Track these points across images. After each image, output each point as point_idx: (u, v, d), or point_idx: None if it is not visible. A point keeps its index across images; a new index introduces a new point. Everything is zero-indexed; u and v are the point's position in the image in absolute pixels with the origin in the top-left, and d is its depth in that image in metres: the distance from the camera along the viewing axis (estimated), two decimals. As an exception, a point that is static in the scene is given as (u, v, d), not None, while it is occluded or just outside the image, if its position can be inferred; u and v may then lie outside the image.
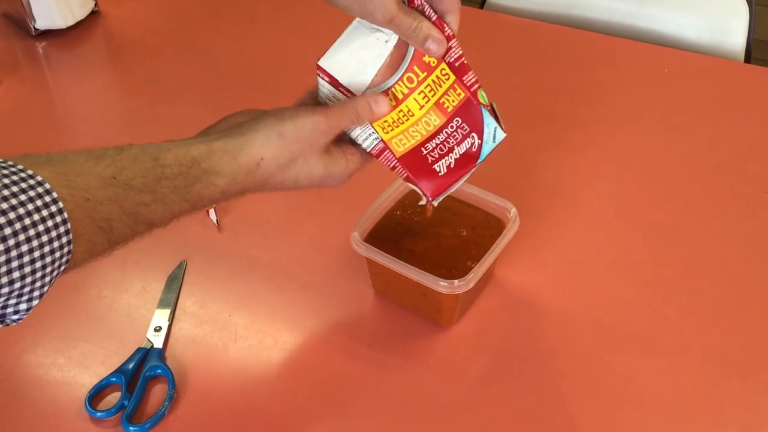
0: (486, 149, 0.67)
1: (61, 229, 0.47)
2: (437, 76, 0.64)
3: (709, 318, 0.77)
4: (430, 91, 0.64)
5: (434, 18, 0.62)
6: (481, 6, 1.30)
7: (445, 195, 0.67)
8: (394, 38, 0.62)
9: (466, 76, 0.65)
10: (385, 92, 0.64)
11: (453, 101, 0.65)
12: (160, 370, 0.72)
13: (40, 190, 0.46)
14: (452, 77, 0.65)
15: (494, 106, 0.67)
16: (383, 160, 0.65)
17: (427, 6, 0.61)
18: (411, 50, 0.63)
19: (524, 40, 1.14)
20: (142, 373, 0.72)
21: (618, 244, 0.84)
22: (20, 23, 1.17)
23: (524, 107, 1.02)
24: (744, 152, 0.95)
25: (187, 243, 0.85)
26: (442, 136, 0.66)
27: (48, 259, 0.47)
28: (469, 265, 0.72)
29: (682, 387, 0.71)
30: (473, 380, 0.73)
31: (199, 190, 0.56)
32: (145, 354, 0.74)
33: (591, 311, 0.77)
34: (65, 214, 0.47)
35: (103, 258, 0.52)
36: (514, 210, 0.76)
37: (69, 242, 0.48)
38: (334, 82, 0.63)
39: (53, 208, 0.47)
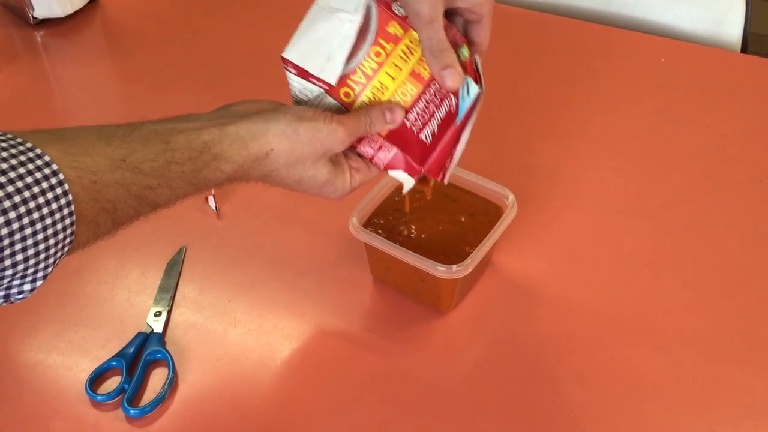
0: (463, 106, 0.65)
1: (65, 211, 0.47)
2: (407, 45, 0.62)
3: (708, 305, 0.77)
4: (401, 61, 0.62)
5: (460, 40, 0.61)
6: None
7: (449, 170, 0.66)
8: (358, 15, 0.60)
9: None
10: (353, 71, 0.62)
11: (427, 67, 0.63)
12: (159, 355, 0.73)
13: (47, 171, 0.46)
14: None
15: (477, 60, 0.65)
16: (367, 146, 0.64)
17: (456, 29, 0.61)
18: (374, 23, 0.61)
19: (522, 29, 1.15)
20: (142, 357, 0.72)
21: (615, 231, 0.85)
22: (18, 12, 1.17)
23: (522, 96, 1.02)
24: (741, 141, 0.95)
25: (187, 229, 0.85)
26: (422, 104, 0.63)
27: (51, 241, 0.47)
28: (467, 251, 0.73)
29: (679, 373, 0.72)
30: (471, 365, 0.73)
31: (206, 174, 0.56)
32: (145, 339, 0.74)
33: (588, 297, 0.78)
34: (70, 196, 0.47)
35: (107, 238, 0.52)
36: (512, 196, 0.76)
37: (72, 224, 0.48)
38: (302, 73, 0.61)
39: (58, 190, 0.46)
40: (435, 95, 0.64)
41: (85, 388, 0.70)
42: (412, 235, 0.76)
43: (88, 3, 1.19)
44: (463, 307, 0.77)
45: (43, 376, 0.73)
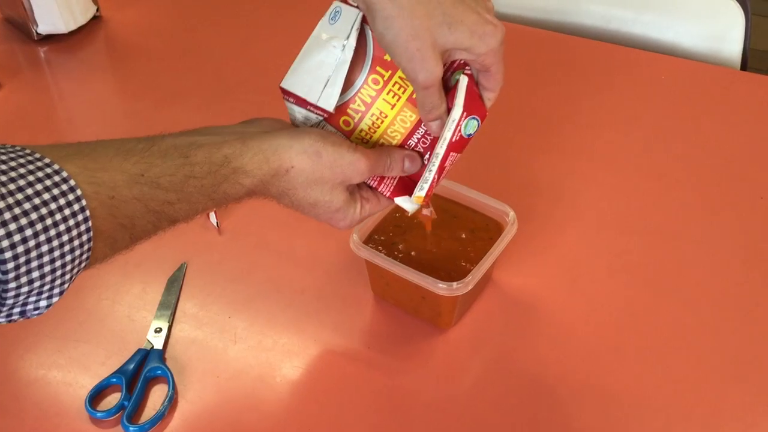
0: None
1: (82, 227, 0.47)
2: None
3: (707, 322, 0.77)
4: (399, 89, 0.62)
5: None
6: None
7: (431, 193, 0.65)
8: (351, 41, 0.60)
9: None
10: (352, 99, 0.62)
11: None
12: (160, 371, 0.73)
13: (64, 187, 0.46)
14: None
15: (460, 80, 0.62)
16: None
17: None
18: (371, 51, 0.61)
19: (521, 46, 1.15)
20: (142, 373, 0.72)
21: (615, 248, 0.85)
22: (22, 27, 1.18)
23: (522, 113, 1.03)
24: (741, 158, 0.95)
25: (188, 245, 0.85)
26: (422, 129, 0.63)
27: (68, 258, 0.46)
28: (467, 268, 0.73)
29: (679, 392, 0.71)
30: (472, 382, 0.73)
31: (226, 189, 0.55)
32: (145, 355, 0.74)
33: (589, 314, 0.78)
34: (87, 213, 0.47)
35: (125, 253, 0.52)
36: (512, 213, 0.76)
37: (90, 240, 0.47)
38: (301, 102, 0.61)
39: (76, 207, 0.46)
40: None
41: (85, 405, 0.70)
42: (413, 252, 0.76)
43: (92, 19, 1.20)
44: (463, 324, 0.77)
45: (42, 392, 0.73)
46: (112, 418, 0.70)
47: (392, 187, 0.65)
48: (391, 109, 0.63)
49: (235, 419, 0.70)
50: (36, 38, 1.17)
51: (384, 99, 0.62)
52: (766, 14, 2.56)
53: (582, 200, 0.90)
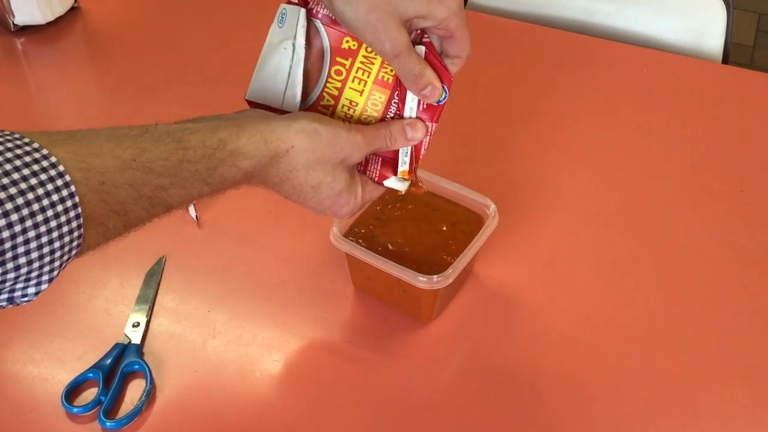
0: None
1: (71, 214, 0.45)
2: (364, 56, 0.62)
3: (687, 314, 0.78)
4: (363, 74, 0.63)
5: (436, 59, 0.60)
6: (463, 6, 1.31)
7: (415, 166, 0.65)
8: (300, 39, 0.61)
9: None
10: (320, 96, 0.62)
11: (391, 71, 0.63)
12: (137, 366, 0.72)
13: (53, 172, 0.45)
14: None
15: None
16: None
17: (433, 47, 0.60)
18: (326, 43, 0.62)
19: (505, 39, 1.15)
20: (120, 368, 0.71)
21: (596, 241, 0.85)
22: (-1, 19, 1.16)
23: (504, 106, 1.03)
24: (722, 151, 0.96)
25: (166, 239, 0.85)
26: (393, 107, 0.63)
27: (57, 244, 0.45)
28: (448, 261, 0.73)
29: (659, 382, 0.72)
30: (453, 375, 0.73)
31: (222, 173, 0.54)
32: (122, 350, 0.73)
33: (569, 308, 0.78)
34: (77, 198, 0.46)
35: (118, 240, 0.51)
36: (493, 206, 0.76)
37: (80, 226, 0.46)
38: (267, 110, 0.61)
39: (64, 192, 0.45)
40: (402, 93, 0.64)
41: (61, 400, 0.69)
42: (393, 245, 0.75)
43: (70, 10, 1.19)
44: (444, 317, 0.77)
45: (18, 388, 0.72)
46: (89, 413, 0.69)
47: (378, 172, 0.65)
48: (360, 95, 0.63)
49: (213, 414, 0.70)
50: (13, 29, 1.15)
51: (351, 87, 0.63)
52: (747, 8, 2.58)
53: (563, 194, 0.90)
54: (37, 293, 0.47)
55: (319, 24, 0.62)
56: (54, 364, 0.73)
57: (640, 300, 0.79)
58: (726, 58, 1.19)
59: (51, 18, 1.15)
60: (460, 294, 0.78)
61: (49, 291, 0.79)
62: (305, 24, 0.61)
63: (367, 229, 0.77)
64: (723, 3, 1.17)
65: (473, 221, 0.77)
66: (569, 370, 0.73)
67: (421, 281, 0.69)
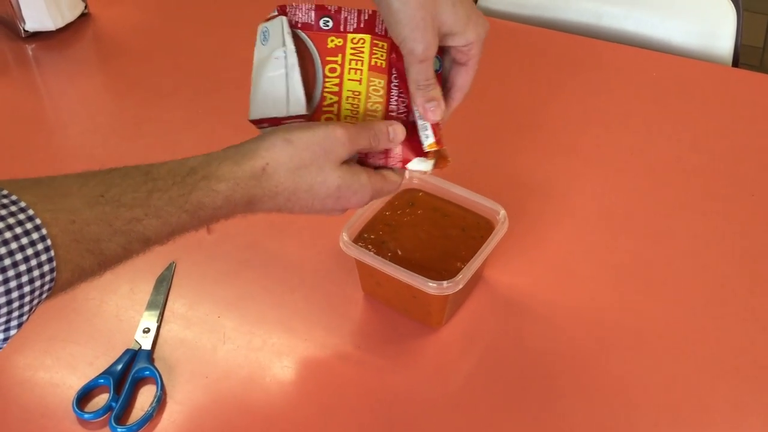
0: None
1: (43, 257, 0.45)
2: (352, 48, 0.63)
3: (697, 320, 0.77)
4: (357, 63, 0.63)
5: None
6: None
7: (440, 136, 0.65)
8: (289, 45, 0.61)
9: (377, 25, 0.64)
10: (322, 98, 0.62)
11: (382, 54, 0.63)
12: (148, 372, 0.72)
13: (21, 216, 0.44)
14: (366, 37, 0.63)
15: None
16: (374, 158, 0.63)
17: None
18: (313, 48, 0.62)
19: (514, 43, 1.15)
20: (130, 374, 0.71)
21: (606, 246, 0.84)
22: (9, 25, 1.17)
23: (513, 110, 1.02)
24: (732, 155, 0.95)
25: (176, 244, 0.83)
26: (395, 90, 0.64)
27: (26, 289, 0.44)
28: (458, 267, 0.72)
29: (669, 386, 0.71)
30: (463, 381, 0.73)
31: (199, 198, 0.53)
32: (133, 355, 0.73)
33: (579, 312, 0.78)
34: (48, 241, 0.45)
35: (94, 279, 0.51)
36: (503, 212, 0.76)
37: (52, 270, 0.45)
38: (275, 121, 0.61)
39: (35, 236, 0.44)
40: (401, 80, 0.64)
41: (72, 406, 0.69)
42: (403, 251, 0.75)
43: (80, 16, 1.19)
44: (454, 322, 0.77)
45: (29, 394, 0.72)
46: (100, 419, 0.69)
47: (399, 158, 0.64)
48: (359, 84, 0.63)
49: (224, 420, 0.70)
50: (23, 36, 1.16)
51: (349, 79, 0.63)
52: (757, 10, 2.57)
53: (573, 198, 0.90)
54: (5, 339, 0.46)
55: (299, 32, 0.63)
56: (65, 370, 0.73)
57: (650, 304, 0.78)
58: (736, 61, 1.18)
59: (61, 24, 1.16)
60: (470, 299, 0.78)
61: (60, 298, 0.80)
62: (290, 30, 0.62)
63: (377, 235, 0.77)
64: (733, 5, 1.16)
65: (483, 226, 0.77)
66: (579, 375, 0.72)
67: (430, 287, 0.69)
